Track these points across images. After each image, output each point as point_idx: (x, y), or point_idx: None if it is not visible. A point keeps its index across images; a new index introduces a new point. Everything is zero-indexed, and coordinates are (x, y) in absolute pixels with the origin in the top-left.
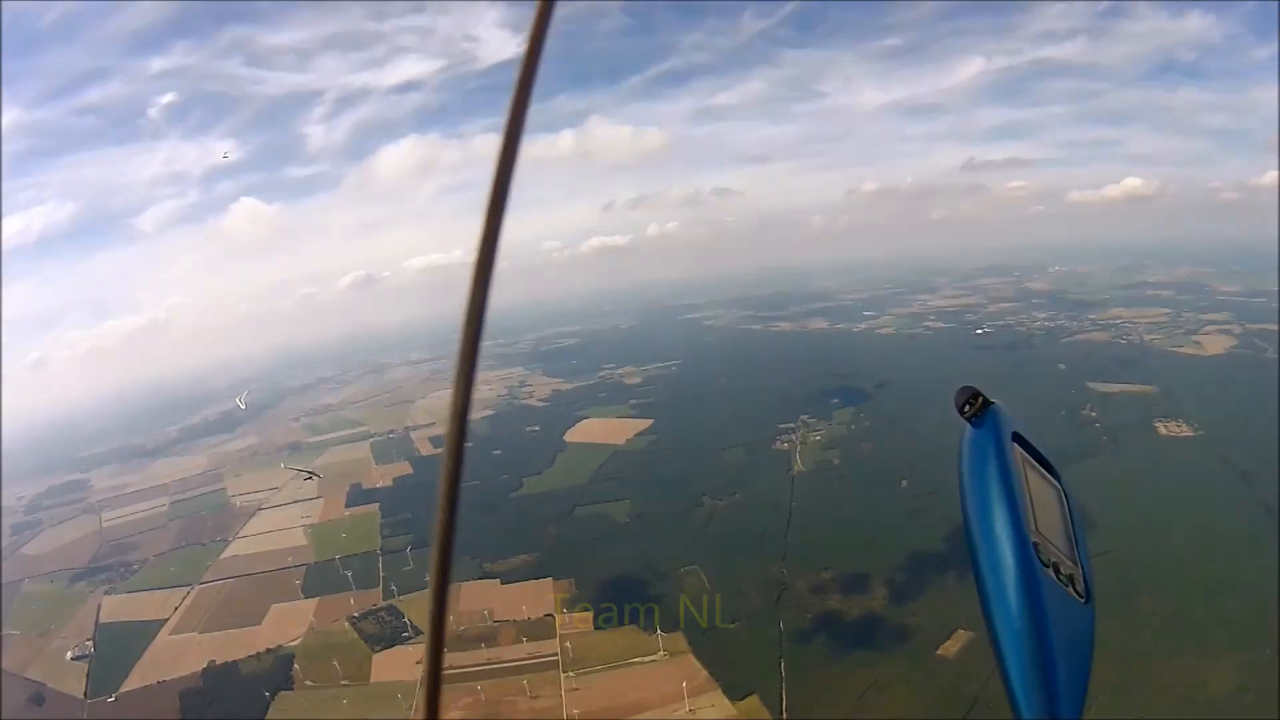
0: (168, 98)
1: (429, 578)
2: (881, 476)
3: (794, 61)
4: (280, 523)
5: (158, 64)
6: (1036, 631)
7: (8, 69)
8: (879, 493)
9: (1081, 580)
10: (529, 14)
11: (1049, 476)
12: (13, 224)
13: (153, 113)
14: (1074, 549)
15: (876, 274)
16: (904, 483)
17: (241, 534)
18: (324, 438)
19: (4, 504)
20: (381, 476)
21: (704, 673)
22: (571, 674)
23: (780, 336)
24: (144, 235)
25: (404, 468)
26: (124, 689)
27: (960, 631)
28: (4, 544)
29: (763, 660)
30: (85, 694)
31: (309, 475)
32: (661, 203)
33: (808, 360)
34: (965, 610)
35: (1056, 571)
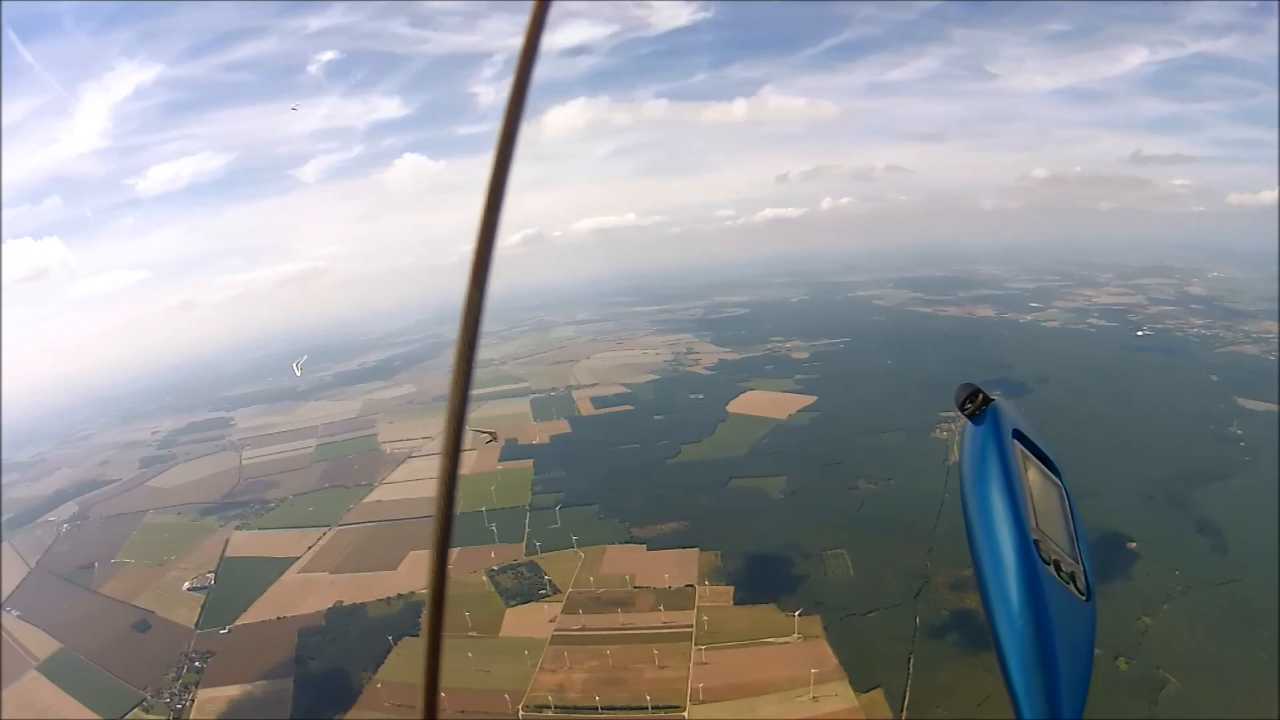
0: (328, 55)
1: (427, 577)
2: None
3: (965, 40)
4: (429, 471)
5: (315, 23)
6: (1038, 630)
7: (147, 26)
8: None
9: (1083, 578)
10: None
11: (1050, 474)
12: (160, 172)
13: (312, 69)
14: (1075, 546)
15: (1043, 263)
16: None
17: (388, 480)
18: (483, 391)
19: (136, 437)
20: (539, 433)
21: (834, 660)
22: (703, 647)
23: (947, 321)
24: (303, 186)
25: (562, 426)
26: (240, 622)
27: None
28: (129, 477)
29: (893, 653)
30: (196, 624)
31: (489, 438)
32: (835, 176)
33: (973, 348)
34: (1097, 624)
35: (1057, 569)
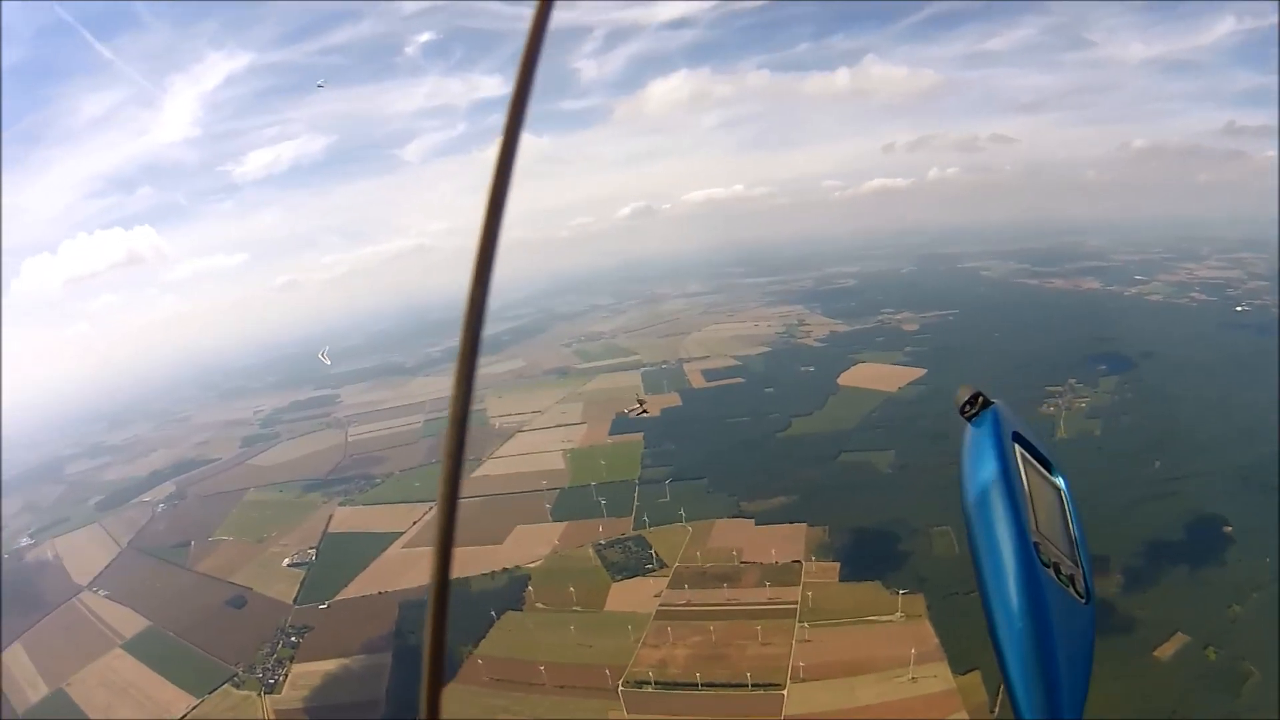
0: (425, 36)
1: (429, 577)
2: (1137, 453)
3: (1061, 8)
4: (538, 445)
5: (410, 6)
6: (1038, 632)
7: (233, 17)
8: (1132, 471)
9: (1082, 580)
10: None
11: (1049, 476)
12: (260, 157)
13: (410, 51)
14: (1074, 549)
15: (1146, 235)
16: (1158, 464)
17: (497, 454)
18: (594, 364)
19: (237, 416)
20: (650, 406)
21: (935, 640)
22: (806, 624)
23: (1054, 293)
24: (407, 165)
25: (673, 399)
26: (340, 597)
27: (1180, 635)
28: (229, 456)
29: None
30: (295, 599)
31: (641, 409)
32: (941, 146)
33: (1080, 321)
34: (1190, 611)
35: (1057, 571)
